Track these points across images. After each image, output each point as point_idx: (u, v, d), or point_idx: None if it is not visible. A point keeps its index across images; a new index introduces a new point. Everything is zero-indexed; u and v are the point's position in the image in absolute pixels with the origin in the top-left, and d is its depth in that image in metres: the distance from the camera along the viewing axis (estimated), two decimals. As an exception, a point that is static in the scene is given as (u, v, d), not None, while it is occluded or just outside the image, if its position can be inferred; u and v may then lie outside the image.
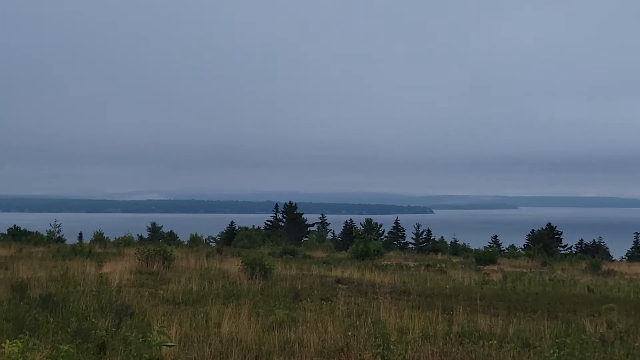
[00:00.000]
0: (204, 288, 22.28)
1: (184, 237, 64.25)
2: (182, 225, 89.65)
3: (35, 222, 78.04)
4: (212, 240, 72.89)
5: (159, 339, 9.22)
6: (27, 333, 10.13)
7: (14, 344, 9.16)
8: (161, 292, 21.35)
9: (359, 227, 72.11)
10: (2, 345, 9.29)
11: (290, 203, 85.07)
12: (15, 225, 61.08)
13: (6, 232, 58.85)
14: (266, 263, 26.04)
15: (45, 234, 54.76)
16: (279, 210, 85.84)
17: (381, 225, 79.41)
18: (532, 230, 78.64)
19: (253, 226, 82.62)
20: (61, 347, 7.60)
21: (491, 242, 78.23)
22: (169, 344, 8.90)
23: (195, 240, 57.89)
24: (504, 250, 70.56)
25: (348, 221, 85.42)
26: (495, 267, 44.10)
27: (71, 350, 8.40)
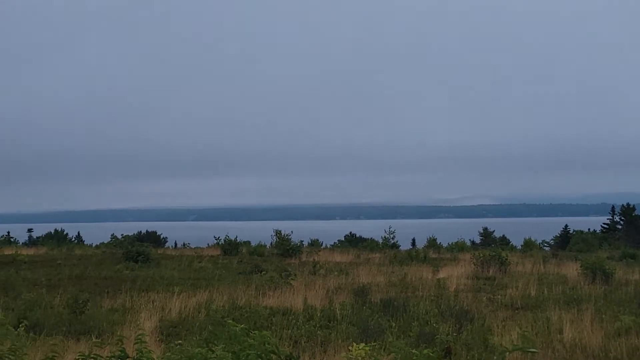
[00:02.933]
0: (542, 293, 21.90)
1: (516, 241, 63.23)
2: (514, 230, 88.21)
3: (370, 229, 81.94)
4: (545, 244, 70.89)
5: (519, 343, 9.05)
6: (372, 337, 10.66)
7: (360, 347, 9.65)
8: (499, 297, 21.32)
9: None
10: (349, 348, 9.85)
11: (628, 205, 79.76)
12: (351, 232, 64.95)
13: (343, 239, 62.74)
14: (607, 267, 24.87)
15: (380, 240, 57.22)
16: (616, 212, 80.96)
17: None
18: None
19: (588, 229, 78.84)
20: (411, 350, 7.83)
21: None
22: (531, 349, 8.69)
23: (528, 244, 56.86)
24: None
25: None
26: None
27: (417, 353, 8.64)
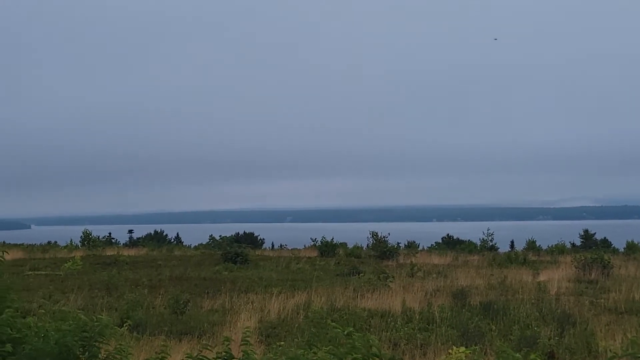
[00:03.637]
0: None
1: (618, 244, 61.25)
2: (616, 232, 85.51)
3: (468, 230, 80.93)
4: (650, 247, 68.39)
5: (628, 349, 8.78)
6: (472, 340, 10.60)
7: (460, 351, 9.61)
8: (602, 300, 20.82)
9: None
10: (449, 351, 9.81)
11: None
12: (448, 234, 64.31)
13: (440, 241, 62.18)
14: None
15: (477, 243, 56.50)
16: None
17: None
18: None
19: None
20: (514, 355, 7.75)
21: None
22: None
23: (631, 247, 54.98)
24: None
25: None
26: None
27: (520, 357, 8.55)
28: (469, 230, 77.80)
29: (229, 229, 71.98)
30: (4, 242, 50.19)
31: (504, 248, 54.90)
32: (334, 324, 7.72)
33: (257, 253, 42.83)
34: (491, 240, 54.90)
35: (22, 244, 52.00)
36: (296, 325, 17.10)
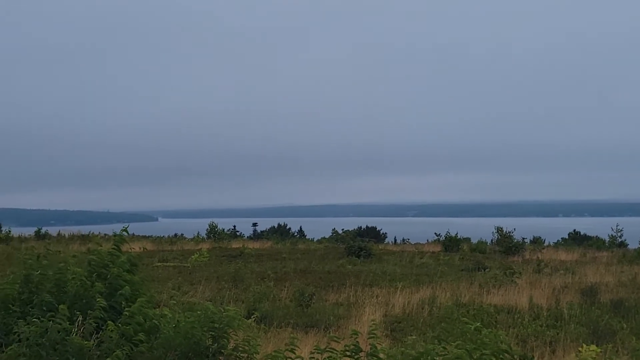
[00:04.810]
0: None
1: None
2: None
3: (595, 226, 78.14)
4: None
5: None
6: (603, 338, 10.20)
7: (591, 349, 9.26)
8: None
9: None
10: (579, 349, 9.48)
11: None
12: (575, 230, 62.28)
13: (567, 237, 60.33)
14: None
15: (606, 239, 54.49)
16: None
17: None
18: None
19: None
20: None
21: None
22: None
23: None
24: None
25: None
26: None
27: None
28: (597, 226, 75.19)
29: (351, 223, 72.19)
30: (133, 234, 52.08)
31: (633, 245, 52.73)
32: (465, 319, 7.57)
33: (380, 247, 42.77)
34: (620, 237, 52.87)
35: (151, 236, 53.89)
36: (421, 320, 16.98)
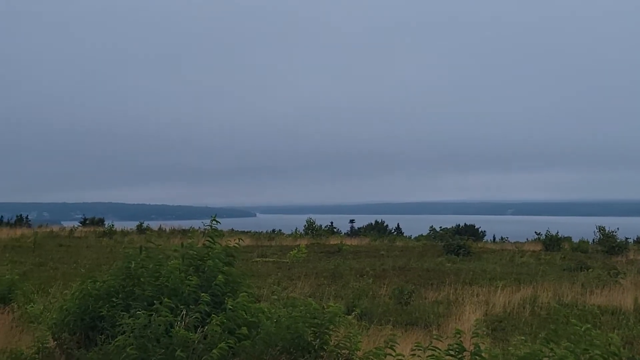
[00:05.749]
0: None
1: None
2: None
3: None
4: None
5: None
6: None
7: None
8: None
9: None
10: None
11: None
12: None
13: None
14: None
15: None
16: None
17: None
18: None
19: None
20: None
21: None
22: None
23: None
24: None
25: None
26: None
27: None
28: None
29: (448, 221, 71.44)
30: (232, 229, 52.90)
31: None
32: (574, 320, 7.33)
33: (478, 245, 42.10)
34: None
35: (249, 232, 54.59)
36: (523, 319, 16.63)
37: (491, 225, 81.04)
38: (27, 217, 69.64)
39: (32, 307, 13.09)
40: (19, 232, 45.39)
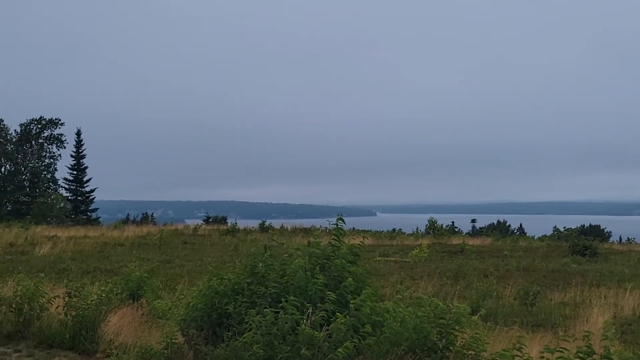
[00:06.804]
0: None
1: None
2: None
3: None
4: None
5: None
6: None
7: None
8: None
9: None
10: None
11: None
12: None
13: None
14: None
15: None
16: None
17: None
18: None
19: None
20: None
21: None
22: None
23: None
24: None
25: None
26: None
27: None
28: None
29: (571, 221, 69.39)
30: (353, 227, 53.01)
31: None
32: None
33: (604, 246, 40.68)
34: None
35: (370, 230, 54.58)
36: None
37: (617, 226, 78.26)
38: (152, 215, 72.65)
39: (160, 303, 13.61)
40: (145, 229, 47.44)
